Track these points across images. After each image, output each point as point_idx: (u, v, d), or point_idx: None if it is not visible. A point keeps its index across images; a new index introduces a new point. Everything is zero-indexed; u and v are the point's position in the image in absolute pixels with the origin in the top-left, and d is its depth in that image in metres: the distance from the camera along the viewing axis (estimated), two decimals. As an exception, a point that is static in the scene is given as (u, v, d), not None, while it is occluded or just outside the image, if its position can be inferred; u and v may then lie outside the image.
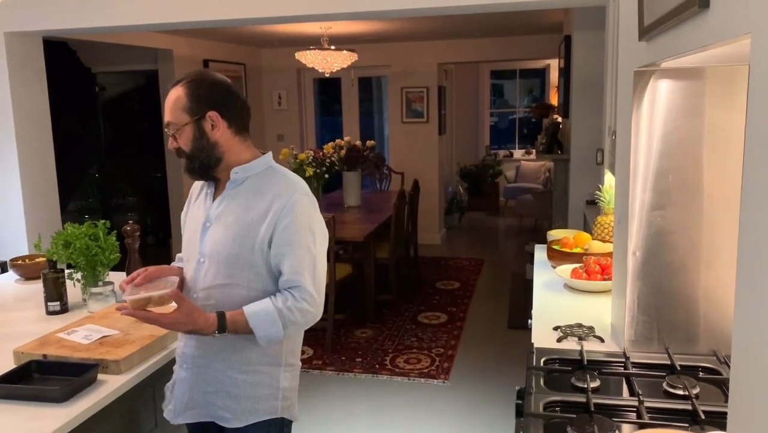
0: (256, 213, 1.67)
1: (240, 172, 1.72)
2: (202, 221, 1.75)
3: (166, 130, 1.73)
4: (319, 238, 1.71)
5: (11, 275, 2.90)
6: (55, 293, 2.34)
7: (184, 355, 1.77)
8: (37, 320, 2.30)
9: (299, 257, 1.65)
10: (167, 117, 1.71)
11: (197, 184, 1.88)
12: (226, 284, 1.69)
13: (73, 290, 2.41)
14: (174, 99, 1.70)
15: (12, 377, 1.70)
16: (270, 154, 1.80)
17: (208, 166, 1.72)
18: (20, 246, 4.00)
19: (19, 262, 2.87)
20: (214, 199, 1.76)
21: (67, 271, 2.37)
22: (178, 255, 1.97)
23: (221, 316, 1.62)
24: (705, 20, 1.07)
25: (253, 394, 1.72)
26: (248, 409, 1.71)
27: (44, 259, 2.55)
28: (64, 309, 2.35)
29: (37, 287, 2.57)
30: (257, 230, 1.66)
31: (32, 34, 4.06)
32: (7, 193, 4.08)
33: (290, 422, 1.81)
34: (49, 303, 2.34)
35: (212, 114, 1.68)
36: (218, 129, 1.69)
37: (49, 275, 2.32)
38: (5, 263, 3.45)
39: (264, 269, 1.68)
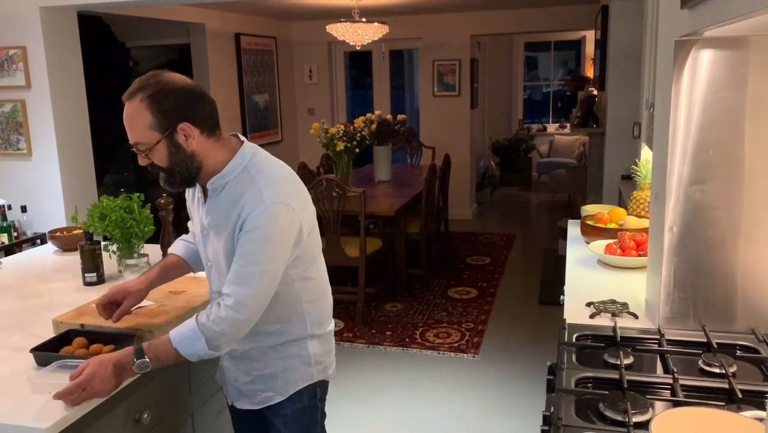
0: (234, 225, 1.62)
1: (216, 182, 1.65)
2: (200, 227, 1.75)
3: (133, 148, 1.60)
4: (277, 245, 1.59)
5: (50, 247, 2.97)
6: (92, 264, 2.39)
7: None
8: (75, 291, 2.35)
9: (241, 266, 1.58)
10: (133, 137, 1.57)
11: None
12: None
13: (110, 261, 2.45)
14: (135, 116, 1.55)
15: (51, 345, 1.74)
16: (244, 148, 1.67)
17: (190, 177, 1.64)
18: (58, 218, 4.09)
19: (57, 234, 2.93)
20: (205, 202, 1.72)
21: (103, 243, 2.42)
22: (183, 236, 2.02)
23: (139, 347, 1.59)
24: (753, -15, 1.03)
25: (287, 366, 1.76)
26: (287, 381, 1.77)
27: (81, 231, 2.60)
28: (101, 280, 2.40)
29: (75, 258, 2.62)
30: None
31: (67, 9, 4.10)
32: (45, 167, 4.16)
33: (325, 382, 1.85)
34: (86, 274, 2.39)
35: (184, 126, 1.56)
36: (193, 138, 1.58)
37: (85, 247, 2.37)
38: (44, 234, 3.54)
39: None
